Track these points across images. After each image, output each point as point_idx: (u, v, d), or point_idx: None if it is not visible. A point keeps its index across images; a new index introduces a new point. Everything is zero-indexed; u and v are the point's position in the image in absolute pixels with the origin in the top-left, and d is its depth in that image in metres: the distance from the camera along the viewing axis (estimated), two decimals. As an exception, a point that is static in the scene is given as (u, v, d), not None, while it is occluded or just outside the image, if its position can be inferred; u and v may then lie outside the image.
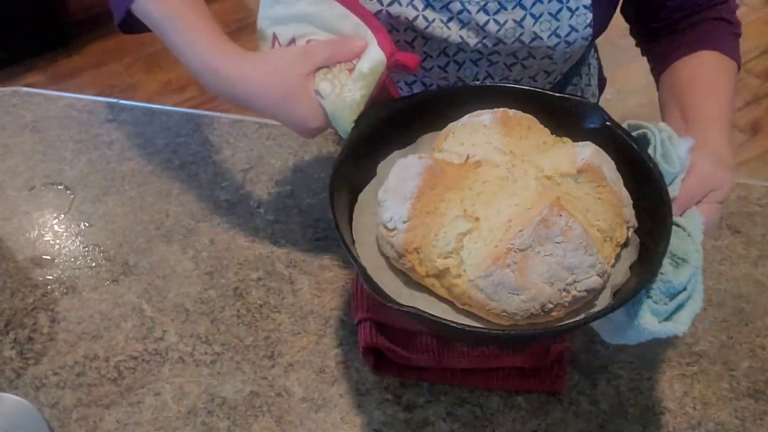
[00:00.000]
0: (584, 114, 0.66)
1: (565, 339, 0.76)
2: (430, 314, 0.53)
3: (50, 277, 0.85)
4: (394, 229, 0.57)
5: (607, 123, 0.64)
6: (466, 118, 0.65)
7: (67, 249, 0.88)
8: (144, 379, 0.75)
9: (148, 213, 0.92)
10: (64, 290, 0.84)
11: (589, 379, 0.75)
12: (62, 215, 0.92)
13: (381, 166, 0.67)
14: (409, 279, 0.60)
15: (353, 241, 0.62)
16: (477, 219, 0.57)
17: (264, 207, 0.92)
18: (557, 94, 0.67)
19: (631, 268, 0.60)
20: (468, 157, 0.59)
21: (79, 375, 0.76)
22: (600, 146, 0.62)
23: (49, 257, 0.87)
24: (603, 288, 0.57)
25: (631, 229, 0.61)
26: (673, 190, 0.62)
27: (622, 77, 2.39)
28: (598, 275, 0.55)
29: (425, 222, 0.57)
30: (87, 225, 0.91)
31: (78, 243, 0.89)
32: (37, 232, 0.90)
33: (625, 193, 0.60)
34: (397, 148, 0.69)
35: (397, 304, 0.53)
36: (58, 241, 0.89)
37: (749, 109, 2.48)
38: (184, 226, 0.90)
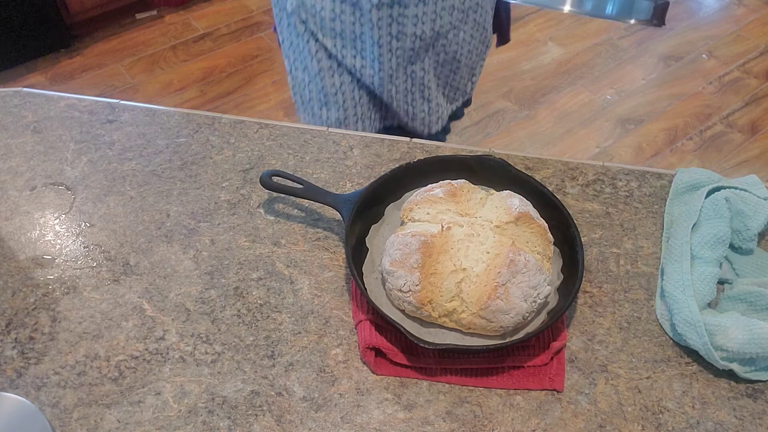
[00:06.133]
0: (496, 166, 0.88)
1: (563, 338, 0.76)
2: (463, 345, 0.74)
3: (51, 277, 0.85)
4: (408, 291, 0.75)
5: (511, 170, 0.87)
6: (421, 192, 0.83)
7: (68, 249, 0.88)
8: (145, 378, 0.76)
9: (149, 213, 0.92)
10: (65, 290, 0.84)
11: (588, 379, 0.75)
12: (63, 215, 0.92)
13: (368, 239, 0.85)
14: (423, 322, 0.78)
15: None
16: (464, 269, 0.75)
17: (264, 207, 0.93)
18: (473, 156, 0.89)
19: (561, 270, 0.82)
20: (443, 227, 0.77)
21: (80, 374, 0.76)
22: (513, 187, 0.85)
23: (50, 257, 0.87)
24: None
25: (551, 243, 0.81)
26: None
27: (622, 77, 2.40)
28: (548, 285, 0.76)
29: (431, 281, 0.75)
30: (88, 225, 0.91)
31: (79, 243, 0.89)
32: (38, 232, 0.90)
33: (543, 222, 0.81)
34: (373, 223, 0.86)
35: (433, 344, 0.72)
36: (59, 241, 0.89)
37: (748, 109, 2.48)
38: (184, 226, 0.90)
